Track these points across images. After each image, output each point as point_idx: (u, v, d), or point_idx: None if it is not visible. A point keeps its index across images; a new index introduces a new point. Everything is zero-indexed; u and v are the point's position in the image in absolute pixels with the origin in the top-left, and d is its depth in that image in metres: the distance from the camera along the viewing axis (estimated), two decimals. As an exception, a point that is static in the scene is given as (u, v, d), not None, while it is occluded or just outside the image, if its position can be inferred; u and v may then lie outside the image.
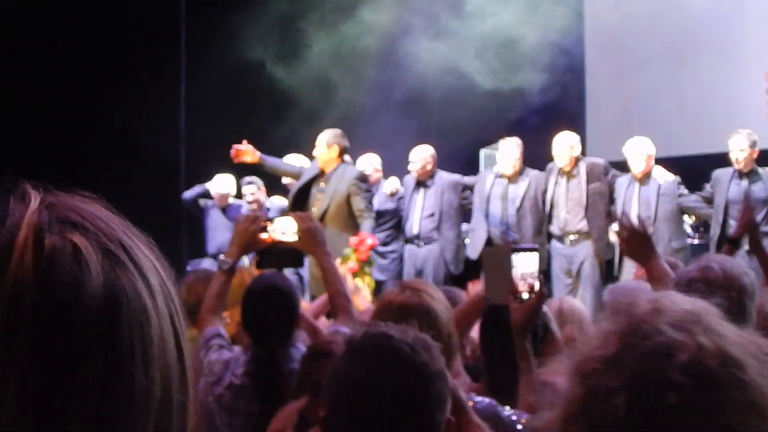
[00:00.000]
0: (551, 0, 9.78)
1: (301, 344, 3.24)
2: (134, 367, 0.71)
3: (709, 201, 7.33)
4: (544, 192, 7.61)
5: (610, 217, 7.47)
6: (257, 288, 3.21)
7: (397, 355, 1.84)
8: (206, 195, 8.96)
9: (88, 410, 0.68)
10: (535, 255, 2.93)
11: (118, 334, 0.70)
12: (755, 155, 7.19)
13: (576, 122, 9.62)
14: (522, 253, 2.92)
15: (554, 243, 7.57)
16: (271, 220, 3.41)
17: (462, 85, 9.59)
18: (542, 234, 7.58)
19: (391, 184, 8.24)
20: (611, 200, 7.52)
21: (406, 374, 1.84)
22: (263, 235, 3.35)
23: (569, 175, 7.54)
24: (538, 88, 9.69)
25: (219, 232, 8.78)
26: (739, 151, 7.16)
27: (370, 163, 8.30)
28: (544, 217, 7.59)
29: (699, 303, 1.24)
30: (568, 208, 7.48)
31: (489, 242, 7.51)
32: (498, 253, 3.24)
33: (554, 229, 7.56)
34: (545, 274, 7.55)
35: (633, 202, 7.32)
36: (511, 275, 2.84)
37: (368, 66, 9.83)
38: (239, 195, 9.00)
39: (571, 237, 7.48)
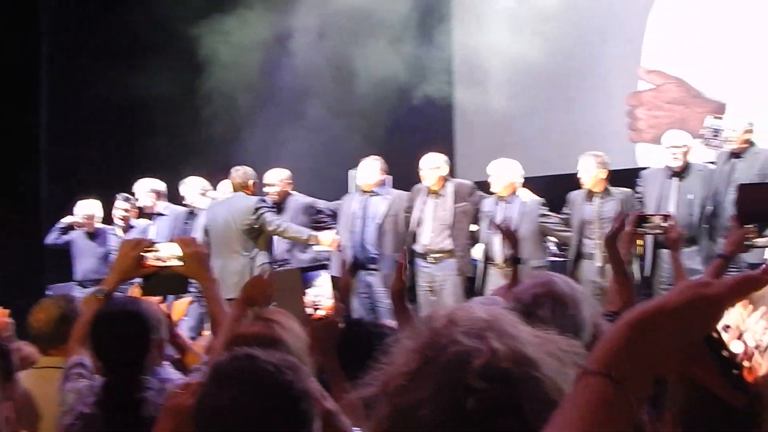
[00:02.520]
0: (420, 25, 10.21)
1: (163, 369, 3.21)
2: None
3: (569, 223, 7.80)
4: (407, 210, 7.99)
5: (474, 236, 7.93)
6: (106, 313, 3.12)
7: (261, 376, 1.87)
8: (70, 228, 8.95)
9: None
10: (327, 273, 3.09)
11: None
12: (604, 176, 7.67)
13: (445, 144, 10.04)
14: (319, 272, 3.08)
15: (418, 261, 7.93)
16: (154, 244, 3.34)
17: (332, 108, 9.89)
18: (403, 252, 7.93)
19: None
20: (475, 220, 7.94)
21: (271, 394, 1.86)
22: (146, 261, 3.28)
23: (436, 194, 7.94)
24: (407, 109, 10.09)
25: (85, 259, 8.81)
26: (584, 172, 7.68)
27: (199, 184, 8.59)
28: (405, 236, 7.94)
29: (493, 310, 1.31)
30: (433, 226, 7.85)
31: (356, 260, 7.84)
32: (287, 275, 3.32)
33: (418, 247, 7.92)
34: (409, 291, 7.95)
35: (496, 220, 7.73)
36: (302, 296, 2.96)
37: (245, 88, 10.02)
38: (107, 220, 9.05)
39: (435, 255, 7.85)
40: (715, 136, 8.72)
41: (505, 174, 7.85)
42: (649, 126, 10.20)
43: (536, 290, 2.71)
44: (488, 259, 7.78)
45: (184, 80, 9.82)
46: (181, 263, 3.29)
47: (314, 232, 7.91)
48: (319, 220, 8.28)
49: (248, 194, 7.96)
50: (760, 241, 3.84)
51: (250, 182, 7.99)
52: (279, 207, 8.29)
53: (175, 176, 8.90)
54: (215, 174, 8.77)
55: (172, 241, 3.43)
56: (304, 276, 3.08)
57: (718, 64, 9.62)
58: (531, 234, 7.66)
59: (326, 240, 7.85)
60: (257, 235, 7.79)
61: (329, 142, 9.67)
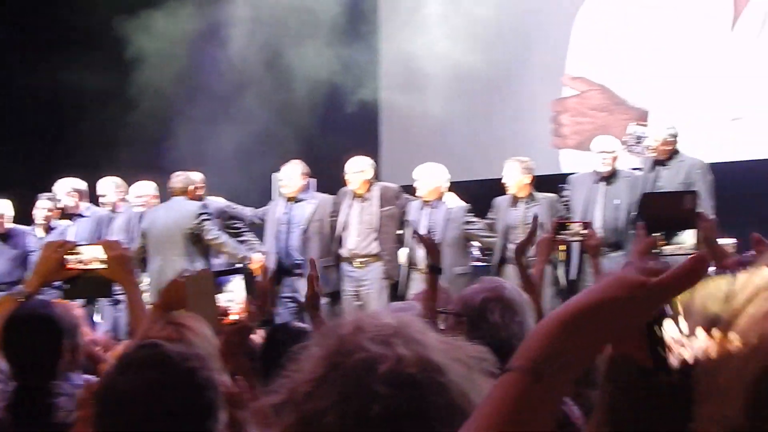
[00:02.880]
0: (349, 27, 10.23)
1: (77, 375, 3.19)
2: None
3: (493, 228, 7.83)
4: (332, 214, 7.98)
5: (400, 239, 7.94)
6: (18, 316, 3.08)
7: (164, 362, 1.87)
8: None
9: None
10: (241, 277, 3.05)
11: None
12: (529, 181, 7.74)
13: (372, 146, 10.08)
14: (232, 276, 3.04)
15: (344, 265, 7.93)
16: (77, 247, 3.28)
17: (260, 106, 9.84)
18: (329, 256, 7.95)
19: None
20: (402, 224, 7.94)
21: (173, 380, 1.86)
22: (68, 264, 3.22)
23: (362, 198, 7.93)
24: (335, 110, 10.10)
25: (-3, 261, 8.61)
26: (509, 177, 7.75)
27: (108, 186, 8.47)
28: (331, 240, 7.95)
29: (401, 316, 1.33)
30: (359, 231, 7.85)
31: (280, 266, 7.89)
32: (200, 279, 3.30)
33: (343, 251, 7.92)
34: (335, 296, 7.95)
35: (421, 226, 7.72)
36: (215, 300, 2.92)
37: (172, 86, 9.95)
38: (24, 221, 8.85)
39: (361, 259, 7.86)
40: (638, 142, 8.87)
41: (431, 178, 7.86)
42: (573, 132, 10.36)
43: (486, 294, 2.75)
44: (411, 263, 7.77)
45: (111, 75, 9.69)
46: (104, 266, 3.24)
47: (249, 253, 7.86)
48: (231, 226, 8.23)
49: (189, 199, 7.97)
50: (668, 248, 3.92)
51: (191, 188, 8.03)
52: None
53: (98, 176, 8.77)
54: (142, 173, 8.68)
55: (95, 243, 3.38)
56: (217, 280, 3.05)
57: (642, 72, 9.82)
58: (456, 240, 7.69)
59: (256, 263, 7.78)
60: (197, 240, 7.81)
61: (256, 141, 9.61)
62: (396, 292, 7.74)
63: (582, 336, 1.03)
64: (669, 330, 1.03)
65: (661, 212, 3.97)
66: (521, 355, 1.03)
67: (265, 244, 8.13)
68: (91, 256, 3.24)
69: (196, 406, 1.89)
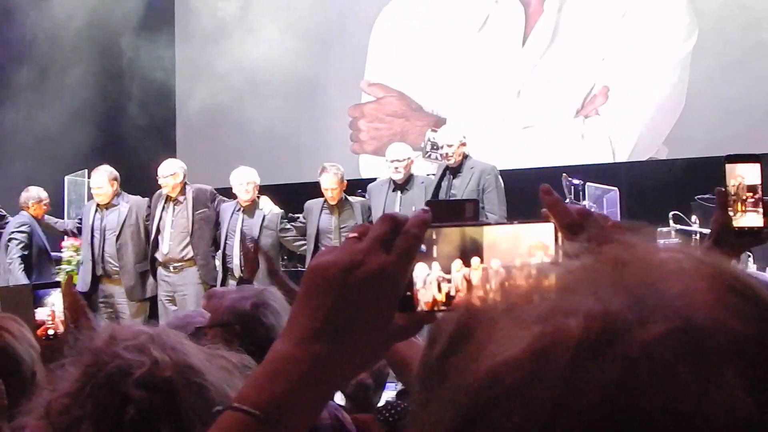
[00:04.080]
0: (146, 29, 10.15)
1: None
2: None
3: (304, 232, 7.92)
4: (147, 218, 7.95)
5: (216, 243, 7.96)
6: None
7: None
8: None
9: None
10: (58, 291, 3.01)
11: None
12: (344, 186, 7.88)
13: (171, 150, 10.04)
14: (52, 290, 2.98)
15: (160, 270, 7.90)
16: None
17: (59, 101, 9.62)
18: (145, 261, 7.92)
19: None
20: (217, 226, 7.96)
21: None
22: None
23: (175, 201, 7.91)
24: (140, 111, 10.01)
25: None
26: (331, 182, 7.74)
27: None
28: (147, 245, 7.92)
29: (158, 327, 1.40)
30: (173, 235, 7.83)
31: (94, 275, 7.87)
32: (17, 291, 3.24)
33: (159, 256, 7.89)
34: (153, 301, 7.91)
35: (236, 231, 7.79)
36: (32, 313, 2.88)
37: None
38: None
39: (175, 264, 7.85)
40: (434, 149, 9.27)
41: (246, 180, 7.86)
42: (371, 138, 10.64)
43: (253, 300, 2.85)
44: (227, 269, 7.80)
45: None
46: None
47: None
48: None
49: (32, 215, 8.10)
50: None
51: (30, 203, 8.13)
52: None
53: None
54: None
55: None
56: (37, 293, 3.02)
57: (439, 80, 10.19)
58: (270, 247, 7.74)
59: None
60: None
61: (49, 139, 9.37)
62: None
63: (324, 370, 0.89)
64: (417, 271, 0.99)
65: (444, 221, 4.24)
66: (248, 395, 0.89)
67: (83, 251, 8.05)
68: None
69: None
